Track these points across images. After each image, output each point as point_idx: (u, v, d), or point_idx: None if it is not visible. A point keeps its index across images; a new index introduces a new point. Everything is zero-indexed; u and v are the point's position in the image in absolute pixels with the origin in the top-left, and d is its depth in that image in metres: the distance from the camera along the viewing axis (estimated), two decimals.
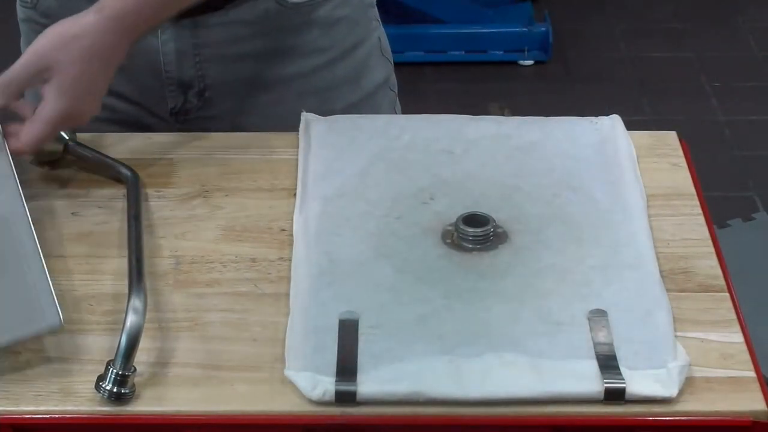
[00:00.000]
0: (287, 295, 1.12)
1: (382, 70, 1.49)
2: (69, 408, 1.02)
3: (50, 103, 1.19)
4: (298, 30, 1.40)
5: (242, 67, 1.41)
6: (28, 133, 1.20)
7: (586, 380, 1.02)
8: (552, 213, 1.21)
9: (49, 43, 1.20)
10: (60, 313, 1.05)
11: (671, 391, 1.02)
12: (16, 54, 1.23)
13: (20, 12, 1.45)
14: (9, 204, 1.15)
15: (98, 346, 1.07)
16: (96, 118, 1.26)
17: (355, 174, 1.25)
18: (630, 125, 1.32)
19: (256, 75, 1.41)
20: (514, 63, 3.34)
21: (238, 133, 1.34)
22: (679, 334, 1.08)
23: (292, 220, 1.21)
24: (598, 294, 1.10)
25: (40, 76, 1.20)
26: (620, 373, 1.02)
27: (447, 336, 1.06)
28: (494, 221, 1.17)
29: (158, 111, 1.43)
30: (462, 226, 1.16)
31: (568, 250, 1.16)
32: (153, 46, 1.37)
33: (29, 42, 1.24)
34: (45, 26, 1.30)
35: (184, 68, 1.39)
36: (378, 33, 1.49)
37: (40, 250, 1.11)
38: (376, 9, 1.49)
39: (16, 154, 1.21)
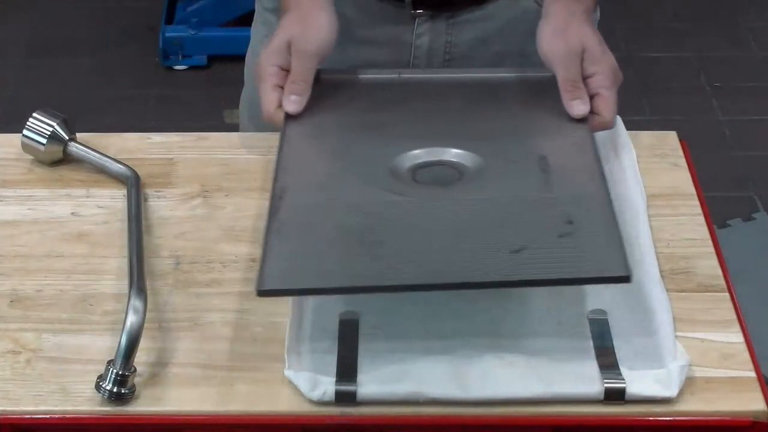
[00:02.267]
0: None
1: None
2: (69, 408, 1.02)
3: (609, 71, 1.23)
4: None
5: None
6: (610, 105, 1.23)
7: (587, 380, 1.02)
8: None
9: None
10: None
11: (671, 392, 1.02)
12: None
13: (267, 1, 1.43)
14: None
15: (98, 346, 1.07)
16: None
17: None
18: (630, 125, 1.32)
19: None
20: None
21: (238, 133, 1.34)
22: (679, 334, 1.08)
23: None
24: (599, 294, 1.10)
25: None
26: (620, 374, 1.02)
27: (447, 336, 1.06)
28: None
29: None
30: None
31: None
32: (406, 40, 1.37)
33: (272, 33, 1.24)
34: None
35: (431, 65, 1.39)
36: None
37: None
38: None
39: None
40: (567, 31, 1.25)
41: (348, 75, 1.32)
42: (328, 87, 1.29)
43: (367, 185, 1.13)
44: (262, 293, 1.00)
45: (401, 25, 1.36)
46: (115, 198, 1.25)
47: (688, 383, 1.03)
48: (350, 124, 1.23)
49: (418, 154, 1.17)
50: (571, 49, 1.24)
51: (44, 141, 1.27)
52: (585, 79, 1.23)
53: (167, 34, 3.14)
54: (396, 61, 1.38)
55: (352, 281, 1.01)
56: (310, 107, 1.24)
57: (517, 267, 1.00)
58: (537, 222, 1.06)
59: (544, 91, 1.26)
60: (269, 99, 1.23)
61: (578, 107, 1.22)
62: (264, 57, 1.24)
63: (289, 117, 1.22)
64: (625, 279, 0.99)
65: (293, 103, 1.23)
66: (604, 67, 1.24)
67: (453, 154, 1.17)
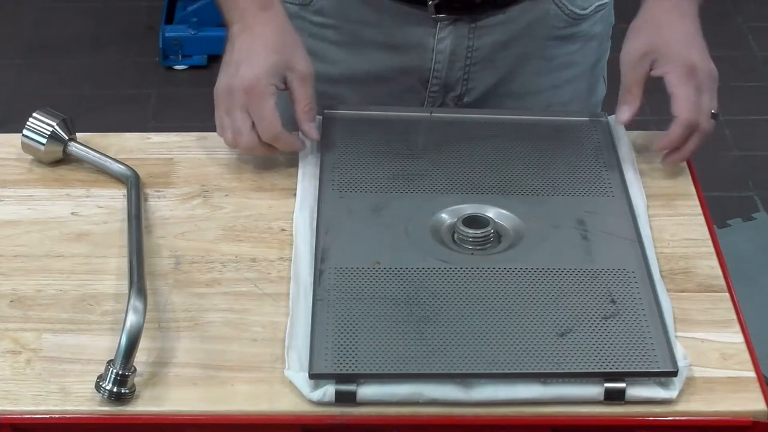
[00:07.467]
0: (287, 295, 1.12)
1: (603, 89, 1.49)
2: (69, 408, 1.02)
3: None
4: (562, 41, 1.40)
5: (504, 76, 1.40)
6: None
7: (587, 381, 1.02)
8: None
9: None
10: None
11: (671, 393, 1.02)
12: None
13: (287, 8, 1.41)
14: None
15: (98, 346, 1.07)
16: None
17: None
18: (630, 125, 1.32)
19: (513, 83, 1.41)
20: None
21: None
22: (679, 334, 1.08)
23: (292, 220, 1.21)
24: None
25: None
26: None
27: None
28: (494, 222, 1.17)
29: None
30: (462, 228, 1.16)
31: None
32: (428, 45, 1.36)
33: None
34: (317, 24, 1.29)
35: (453, 70, 1.38)
36: (609, 51, 1.49)
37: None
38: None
39: None
40: (644, 29, 1.28)
41: (379, 111, 1.33)
42: (359, 124, 1.30)
43: (409, 248, 1.14)
44: (314, 376, 1.01)
45: (423, 29, 1.36)
46: (115, 198, 1.25)
47: (688, 383, 1.03)
48: (387, 174, 1.24)
49: (457, 212, 1.18)
50: (638, 52, 1.26)
51: (44, 141, 1.27)
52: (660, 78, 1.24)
53: (167, 34, 3.15)
54: (417, 66, 1.38)
55: (401, 368, 1.02)
56: (344, 150, 1.26)
57: (563, 356, 1.02)
58: (581, 299, 1.08)
59: (580, 137, 1.29)
60: (277, 117, 1.23)
61: (621, 113, 1.26)
62: (264, 74, 1.23)
63: (325, 163, 1.24)
64: (673, 374, 1.01)
65: (315, 130, 1.25)
66: (675, 65, 1.24)
67: (493, 213, 1.18)
